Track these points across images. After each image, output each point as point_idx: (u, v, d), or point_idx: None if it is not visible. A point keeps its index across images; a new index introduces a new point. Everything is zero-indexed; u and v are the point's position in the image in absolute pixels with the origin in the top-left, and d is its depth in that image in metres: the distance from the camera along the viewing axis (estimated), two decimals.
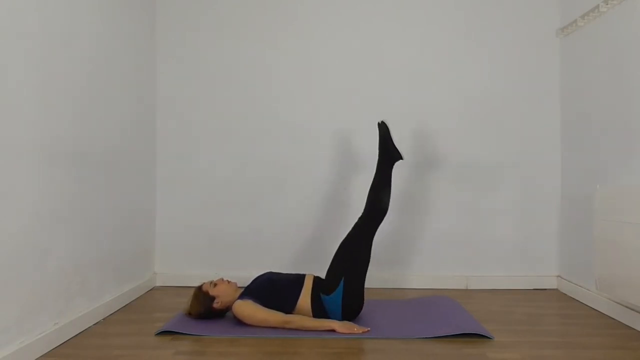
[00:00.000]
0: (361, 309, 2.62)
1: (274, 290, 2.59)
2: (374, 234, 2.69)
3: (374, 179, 2.77)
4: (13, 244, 1.99)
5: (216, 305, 2.57)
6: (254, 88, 3.53)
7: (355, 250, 2.64)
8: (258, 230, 3.50)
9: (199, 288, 2.63)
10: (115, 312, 2.81)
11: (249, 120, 3.53)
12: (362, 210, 2.74)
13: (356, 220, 2.73)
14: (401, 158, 2.79)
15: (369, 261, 2.67)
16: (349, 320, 2.57)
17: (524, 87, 3.51)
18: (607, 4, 2.83)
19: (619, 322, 2.67)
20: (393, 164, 2.78)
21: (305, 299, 2.57)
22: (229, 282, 2.64)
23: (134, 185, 3.19)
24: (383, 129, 2.81)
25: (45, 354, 2.15)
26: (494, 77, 3.51)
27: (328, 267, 2.66)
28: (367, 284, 3.36)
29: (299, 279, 2.65)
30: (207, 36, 3.54)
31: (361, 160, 3.48)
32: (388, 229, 3.46)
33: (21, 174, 2.04)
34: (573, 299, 3.19)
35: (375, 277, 3.45)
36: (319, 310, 2.55)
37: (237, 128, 3.53)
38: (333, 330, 2.42)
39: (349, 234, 2.70)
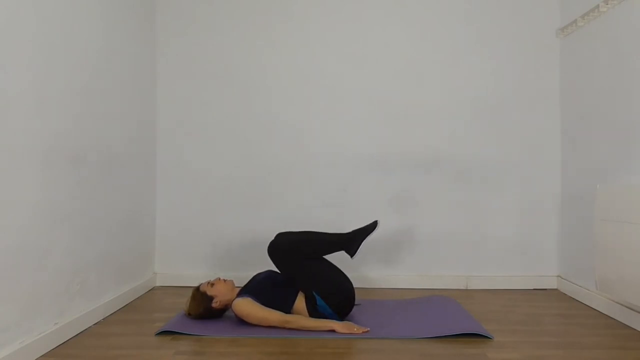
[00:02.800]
0: (351, 299, 2.60)
1: (273, 289, 2.59)
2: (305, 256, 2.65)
3: (323, 234, 2.72)
4: (13, 244, 1.99)
5: (215, 304, 2.58)
6: (254, 89, 3.53)
7: (300, 271, 2.61)
8: (258, 230, 3.50)
9: (197, 289, 2.63)
10: (115, 312, 2.81)
11: (249, 121, 3.53)
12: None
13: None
14: (350, 256, 2.72)
15: (320, 264, 2.65)
16: (346, 314, 2.58)
17: (524, 87, 3.51)
18: (607, 4, 2.83)
19: (619, 322, 2.67)
20: (340, 250, 2.71)
21: (301, 301, 2.57)
22: (225, 280, 2.65)
23: (134, 185, 3.19)
24: (370, 228, 2.74)
25: (45, 354, 2.15)
26: (494, 77, 3.51)
27: None
28: (367, 284, 3.39)
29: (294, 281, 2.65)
30: (207, 36, 3.54)
31: (360, 161, 3.48)
32: (388, 228, 3.47)
33: (21, 174, 2.04)
34: (573, 299, 3.19)
35: (375, 277, 3.46)
36: (314, 312, 2.56)
37: (236, 129, 3.53)
38: (333, 331, 2.42)
39: (278, 264, 2.64)
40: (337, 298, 2.56)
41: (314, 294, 2.54)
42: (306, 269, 2.61)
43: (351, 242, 2.70)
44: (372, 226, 2.75)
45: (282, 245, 2.63)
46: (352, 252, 2.71)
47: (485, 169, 3.50)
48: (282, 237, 2.66)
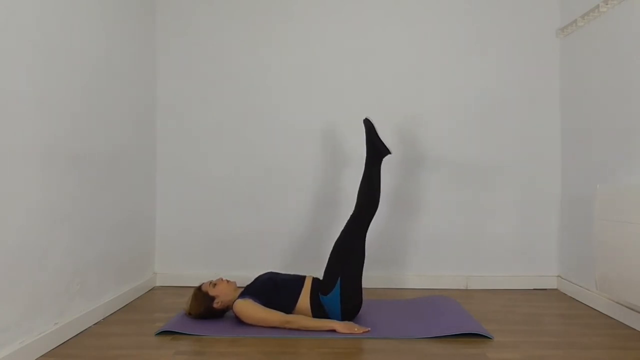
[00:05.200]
0: (360, 307, 2.62)
1: (275, 290, 2.59)
2: (366, 230, 2.69)
3: (364, 175, 2.76)
4: (13, 244, 1.99)
5: (216, 305, 2.57)
6: (253, 88, 3.53)
7: (349, 249, 2.64)
8: (258, 230, 3.50)
9: (199, 288, 2.63)
10: (115, 312, 2.81)
11: (249, 120, 3.53)
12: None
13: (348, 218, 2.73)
14: (389, 152, 2.78)
15: (364, 259, 2.68)
16: (349, 319, 2.57)
17: (524, 87, 3.51)
18: (607, 4, 2.83)
19: (619, 322, 2.67)
20: (381, 160, 2.78)
21: (304, 299, 2.57)
22: (228, 281, 2.64)
23: (134, 185, 3.19)
24: (368, 125, 2.81)
25: (45, 354, 2.15)
26: (494, 77, 3.51)
27: (325, 267, 2.66)
28: (367, 284, 3.37)
29: (298, 279, 2.66)
30: (207, 36, 3.54)
31: (361, 159, 3.47)
32: (388, 228, 3.47)
33: (21, 175, 2.04)
34: (573, 299, 3.19)
35: (375, 277, 3.46)
36: (318, 310, 2.56)
37: (236, 128, 3.53)
38: (334, 330, 2.42)
39: (342, 233, 2.70)
40: (352, 293, 2.56)
41: (340, 278, 2.54)
42: (359, 254, 2.64)
43: (377, 149, 2.75)
44: (368, 124, 2.79)
45: (376, 202, 2.71)
46: (386, 152, 2.77)
47: (485, 168, 3.50)
48: (373, 196, 2.72)
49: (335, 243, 2.69)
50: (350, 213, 2.74)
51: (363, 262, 2.67)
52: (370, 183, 2.73)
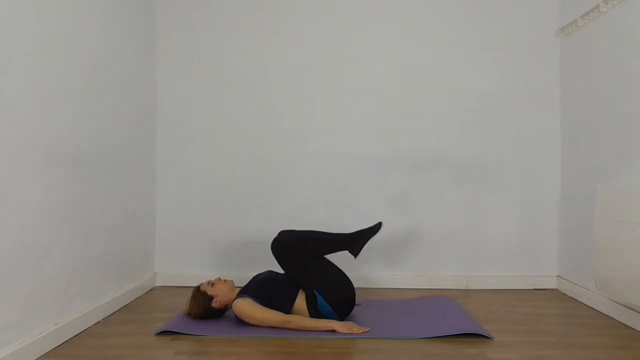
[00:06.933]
0: (353, 301, 2.61)
1: (273, 290, 2.59)
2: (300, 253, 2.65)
3: (328, 234, 2.71)
4: (13, 244, 1.99)
5: (215, 304, 2.58)
6: (254, 89, 3.53)
7: (298, 269, 2.61)
8: (258, 230, 3.50)
9: (197, 289, 2.63)
10: (115, 312, 2.81)
11: (249, 120, 3.53)
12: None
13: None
14: (354, 256, 2.71)
15: (321, 263, 2.64)
16: (347, 314, 2.58)
17: (524, 87, 3.51)
18: (607, 4, 2.83)
19: (619, 322, 2.67)
20: (344, 250, 2.71)
21: (301, 301, 2.57)
22: (225, 280, 2.65)
23: (134, 185, 3.18)
24: (375, 229, 2.72)
25: (45, 354, 2.15)
26: (494, 77, 3.51)
27: None
28: (366, 284, 3.40)
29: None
30: (208, 36, 3.54)
31: (360, 160, 3.48)
32: (388, 228, 3.47)
33: (21, 175, 2.04)
34: (573, 299, 3.19)
35: (375, 277, 3.46)
36: (314, 312, 2.56)
37: (236, 128, 3.53)
38: (333, 331, 2.42)
39: (282, 262, 2.64)
40: (338, 297, 2.56)
41: (315, 292, 2.54)
42: (308, 267, 2.61)
43: (355, 242, 2.69)
44: (377, 227, 2.73)
45: (285, 242, 2.62)
46: (355, 253, 2.70)
47: (485, 169, 3.50)
48: (286, 234, 2.66)
49: (286, 271, 2.66)
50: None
51: (318, 261, 2.64)
52: (319, 245, 2.67)
